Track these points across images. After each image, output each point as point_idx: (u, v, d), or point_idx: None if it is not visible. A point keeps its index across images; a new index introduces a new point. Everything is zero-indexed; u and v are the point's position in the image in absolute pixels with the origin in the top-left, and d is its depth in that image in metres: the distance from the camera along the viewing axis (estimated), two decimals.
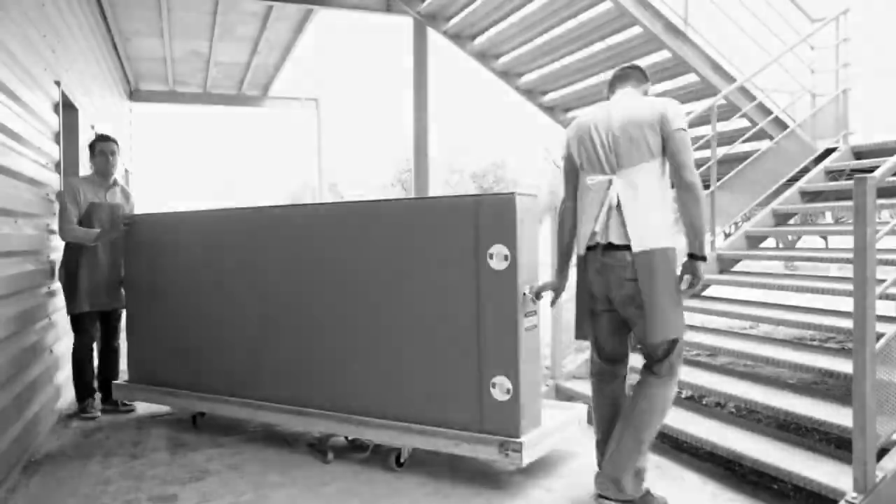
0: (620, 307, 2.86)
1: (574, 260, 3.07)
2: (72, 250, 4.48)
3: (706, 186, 4.79)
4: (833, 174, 5.46)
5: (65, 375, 4.75)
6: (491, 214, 3.17)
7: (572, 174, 3.04)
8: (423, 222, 3.43)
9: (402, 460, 3.49)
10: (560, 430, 3.48)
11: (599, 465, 3.05)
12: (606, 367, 3.06)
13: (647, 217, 2.77)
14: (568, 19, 6.18)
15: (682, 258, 2.83)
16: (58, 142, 4.76)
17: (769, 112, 5.82)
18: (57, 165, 4.76)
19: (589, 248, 2.90)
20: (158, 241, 4.49)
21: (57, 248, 4.60)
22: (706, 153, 5.48)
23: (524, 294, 3.13)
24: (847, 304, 3.00)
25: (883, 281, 2.91)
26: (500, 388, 3.17)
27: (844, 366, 3.42)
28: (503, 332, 3.16)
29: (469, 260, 3.22)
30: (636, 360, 3.22)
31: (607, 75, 6.68)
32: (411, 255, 3.45)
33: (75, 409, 4.64)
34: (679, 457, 3.58)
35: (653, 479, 3.11)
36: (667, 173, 2.83)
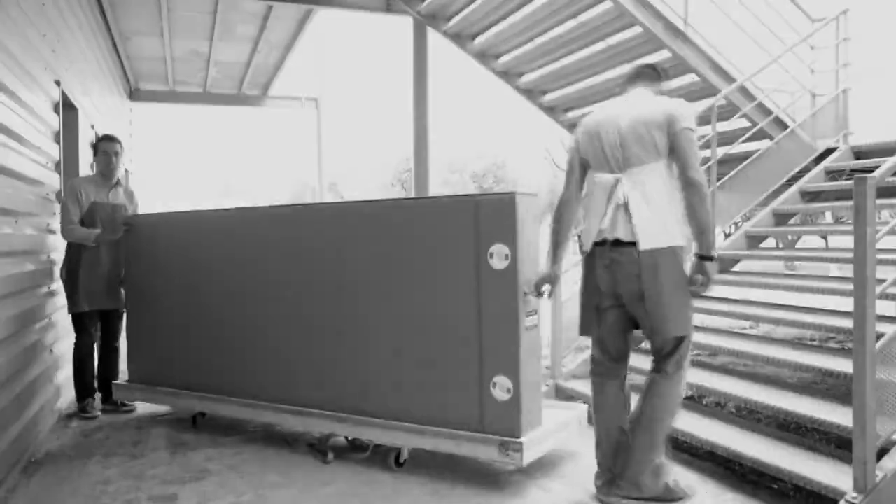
0: (629, 303, 2.87)
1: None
2: (73, 250, 4.49)
3: None
4: (833, 174, 5.46)
5: (65, 375, 4.75)
6: (491, 214, 3.17)
7: (577, 168, 3.05)
8: (423, 222, 3.43)
9: (401, 460, 3.49)
10: (560, 430, 3.48)
11: (599, 464, 3.06)
12: (609, 365, 3.06)
13: (654, 216, 2.78)
14: (568, 19, 6.17)
15: (689, 257, 2.84)
16: (58, 141, 4.76)
17: (769, 112, 5.82)
18: (57, 165, 4.76)
19: (596, 245, 2.91)
20: (158, 242, 4.50)
21: (57, 248, 4.60)
22: (706, 153, 5.48)
23: (525, 293, 3.13)
24: (847, 303, 3.00)
25: (883, 281, 2.91)
26: (500, 387, 3.16)
27: (844, 365, 3.42)
28: (504, 332, 3.15)
29: (469, 259, 3.22)
30: (637, 361, 3.23)
31: (608, 75, 6.73)
32: (412, 254, 3.45)
33: (75, 408, 4.65)
34: (679, 456, 3.58)
35: None
36: (674, 173, 2.84)
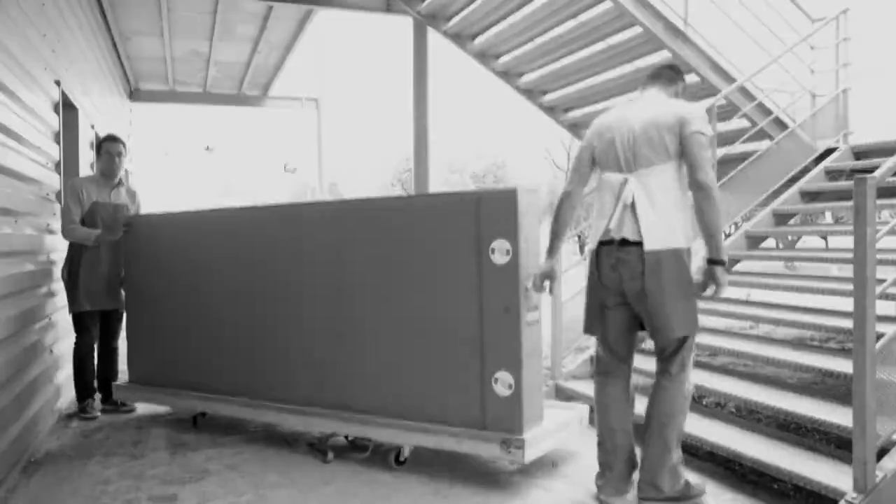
0: (633, 302, 2.88)
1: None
2: (74, 250, 4.50)
3: None
4: (833, 174, 5.46)
5: (65, 375, 4.75)
6: (493, 209, 3.18)
7: (584, 166, 3.06)
8: (425, 218, 3.44)
9: (402, 458, 3.49)
10: (561, 430, 3.48)
11: (601, 464, 3.06)
12: (613, 364, 3.06)
13: (660, 217, 2.79)
14: (568, 19, 6.17)
15: (696, 258, 2.85)
16: (58, 141, 4.76)
17: (769, 112, 5.81)
18: (57, 165, 4.76)
19: (603, 244, 2.92)
20: (158, 242, 4.50)
21: (57, 249, 4.60)
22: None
23: (526, 288, 3.14)
24: (847, 304, 3.00)
25: (883, 281, 2.91)
26: (502, 383, 3.16)
27: (844, 366, 3.42)
28: (505, 327, 3.15)
29: (471, 255, 3.22)
30: (639, 362, 3.23)
31: (608, 75, 6.73)
32: (413, 251, 3.45)
33: (75, 409, 4.65)
34: None
35: None
36: (684, 176, 2.85)
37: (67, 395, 4.80)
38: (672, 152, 2.81)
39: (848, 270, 3.28)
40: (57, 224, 4.60)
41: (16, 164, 3.72)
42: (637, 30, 5.70)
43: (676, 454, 2.93)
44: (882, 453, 2.83)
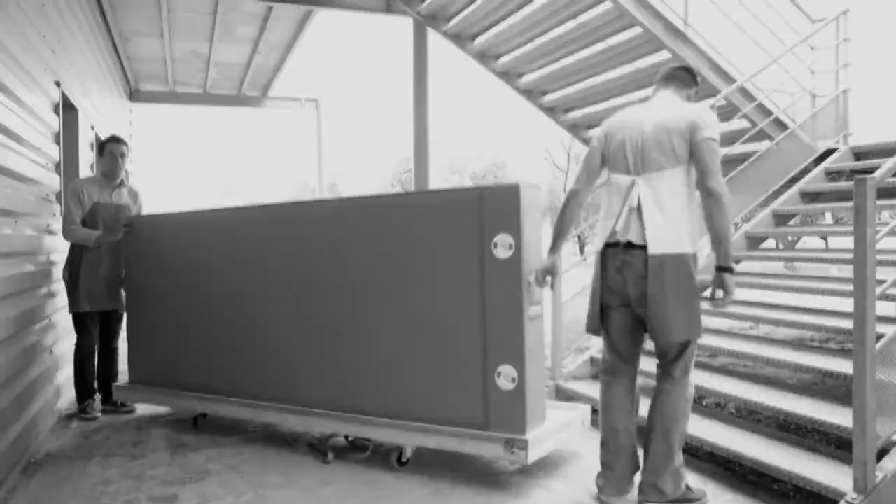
0: (636, 304, 2.88)
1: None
2: (75, 250, 4.50)
3: None
4: (833, 175, 5.46)
5: (65, 375, 4.75)
6: (495, 204, 3.18)
7: (593, 165, 3.06)
8: (427, 214, 3.44)
9: (403, 459, 3.49)
10: (563, 430, 3.48)
11: (602, 464, 3.06)
12: (618, 364, 3.07)
13: (666, 221, 2.79)
14: (568, 20, 6.18)
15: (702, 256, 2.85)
16: (58, 142, 4.76)
17: (769, 113, 5.82)
18: (57, 166, 4.76)
19: (609, 245, 2.92)
20: (158, 242, 4.50)
21: (56, 249, 4.60)
22: None
23: (529, 283, 3.14)
24: (847, 304, 3.00)
25: (883, 281, 2.91)
26: (505, 376, 3.16)
27: (844, 366, 3.42)
28: (508, 321, 3.16)
29: (474, 250, 3.23)
30: (644, 364, 3.23)
31: (608, 76, 6.72)
32: (415, 247, 3.45)
33: (75, 409, 4.64)
34: None
35: None
36: (693, 181, 2.85)
37: (67, 396, 4.80)
38: (681, 157, 2.80)
39: (848, 271, 3.28)
40: (57, 224, 4.61)
41: (16, 164, 3.72)
42: (637, 30, 5.70)
43: (679, 457, 2.93)
44: (882, 454, 2.83)
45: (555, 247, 3.17)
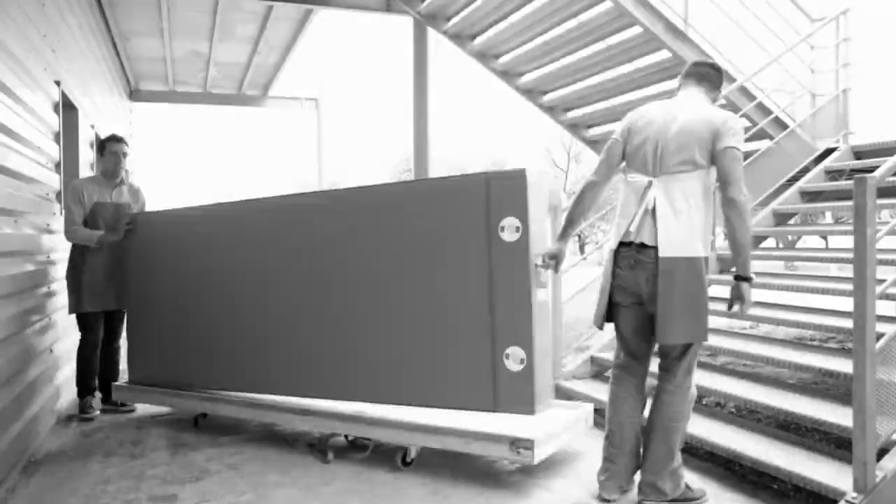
0: (648, 303, 2.89)
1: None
2: (76, 250, 4.50)
3: None
4: (833, 174, 5.45)
5: (65, 375, 4.75)
6: (502, 189, 3.20)
7: (614, 159, 3.04)
8: (435, 200, 3.45)
9: (408, 459, 3.48)
10: (567, 430, 3.49)
11: (605, 459, 3.07)
12: (630, 361, 3.08)
13: (679, 225, 2.79)
14: (568, 19, 6.17)
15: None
16: (58, 142, 4.76)
17: (769, 112, 5.81)
18: (57, 165, 4.76)
19: (623, 244, 2.93)
20: (158, 239, 4.49)
21: (56, 248, 4.60)
22: None
23: (536, 266, 3.16)
24: (847, 303, 3.00)
25: (883, 281, 2.91)
26: (513, 358, 3.17)
27: (844, 366, 3.42)
28: (516, 303, 3.17)
29: (481, 234, 3.24)
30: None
31: (608, 75, 6.70)
32: (423, 232, 3.46)
33: (75, 409, 4.64)
34: None
35: None
36: (710, 185, 2.85)
37: (67, 396, 4.80)
38: (700, 162, 2.80)
39: (848, 270, 3.28)
40: (56, 224, 4.60)
41: (16, 164, 3.72)
42: (637, 30, 5.70)
43: (678, 457, 2.94)
44: (882, 453, 2.83)
45: (564, 234, 3.19)
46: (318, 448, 3.76)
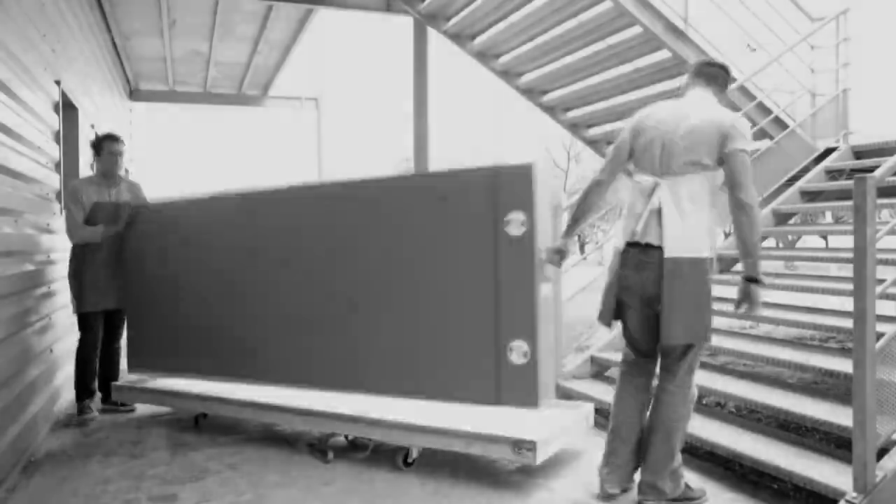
0: (655, 303, 2.89)
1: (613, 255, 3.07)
2: (78, 250, 4.48)
3: None
4: (833, 174, 5.45)
5: (64, 375, 4.74)
6: (509, 183, 3.22)
7: (621, 158, 3.04)
8: (442, 193, 3.45)
9: (409, 460, 3.48)
10: (568, 429, 3.49)
11: (607, 454, 3.08)
12: (637, 359, 3.10)
13: (685, 226, 2.80)
14: (568, 19, 6.17)
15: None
16: (58, 141, 4.76)
17: (769, 112, 5.82)
18: (57, 165, 4.76)
19: (629, 244, 2.93)
20: (160, 228, 4.48)
21: (56, 248, 4.59)
22: None
23: (540, 260, 3.17)
24: (847, 303, 3.00)
25: (883, 281, 2.91)
26: (517, 351, 3.18)
27: (844, 365, 3.42)
28: (521, 296, 3.18)
29: (487, 227, 3.25)
30: None
31: (608, 75, 6.70)
32: (429, 225, 3.46)
33: (74, 408, 4.64)
34: None
35: None
36: (717, 186, 2.85)
37: (67, 395, 4.80)
38: (707, 164, 2.80)
39: (848, 270, 3.28)
40: (56, 223, 4.60)
41: (16, 163, 3.72)
42: (637, 29, 5.70)
43: (678, 457, 2.94)
44: (882, 453, 2.83)
45: (569, 231, 3.21)
46: (318, 448, 3.75)
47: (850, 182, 2.82)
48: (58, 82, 4.76)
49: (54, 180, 4.67)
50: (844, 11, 5.84)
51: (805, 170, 5.66)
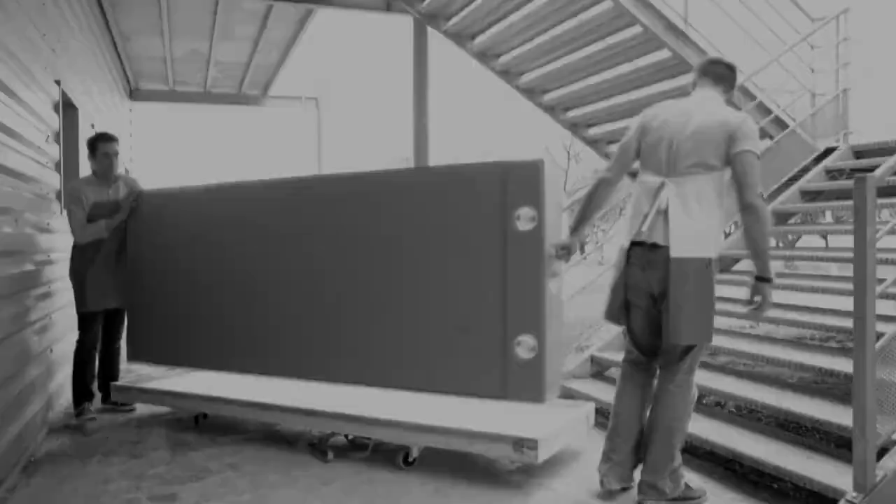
0: (660, 302, 2.90)
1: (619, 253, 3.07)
2: (80, 250, 4.46)
3: None
4: (833, 173, 5.46)
5: (64, 375, 4.74)
6: (519, 178, 3.22)
7: (628, 156, 3.04)
8: (451, 188, 3.46)
9: (410, 459, 3.48)
10: (569, 429, 3.49)
11: (606, 452, 3.09)
12: (640, 357, 3.11)
13: (691, 226, 2.80)
14: (568, 18, 6.17)
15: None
16: (58, 141, 4.76)
17: (769, 111, 5.82)
18: (57, 165, 4.75)
19: (635, 244, 2.93)
20: (163, 217, 4.48)
21: (56, 248, 4.59)
22: None
23: (549, 255, 3.18)
24: (847, 303, 3.00)
25: (883, 280, 2.91)
26: (524, 346, 3.19)
27: (844, 365, 3.42)
28: (529, 291, 3.19)
29: (496, 222, 3.26)
30: None
31: (608, 75, 6.70)
32: (438, 219, 3.46)
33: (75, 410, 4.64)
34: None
35: None
36: (724, 187, 2.85)
37: (68, 395, 4.80)
38: (715, 165, 2.80)
39: (848, 270, 3.28)
40: (56, 223, 4.60)
41: (16, 163, 3.72)
42: (637, 29, 5.70)
43: (678, 457, 2.94)
44: (882, 453, 2.83)
45: (576, 229, 3.22)
46: (319, 448, 3.75)
47: (850, 182, 2.82)
48: (58, 82, 4.76)
49: (54, 180, 4.67)
50: (844, 11, 5.84)
51: (805, 170, 5.66)
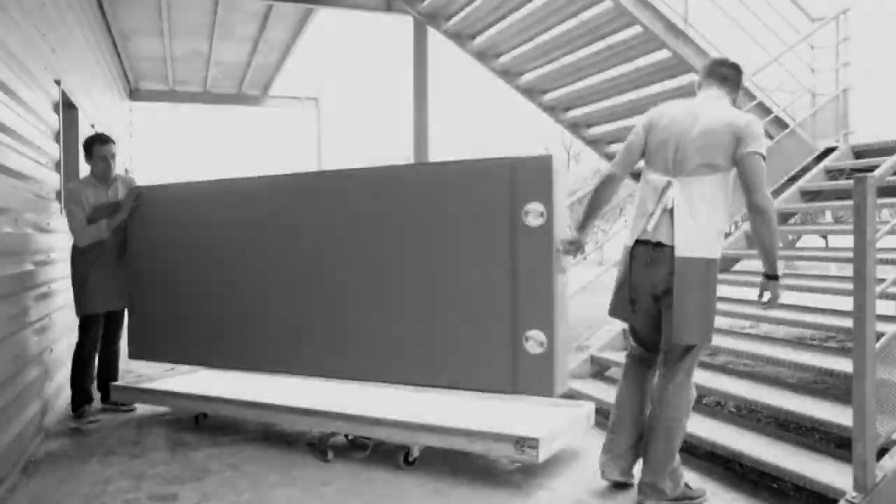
0: (663, 301, 2.90)
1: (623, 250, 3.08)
2: (80, 252, 4.45)
3: None
4: (833, 173, 5.46)
5: (64, 375, 4.74)
6: (528, 174, 3.24)
7: (634, 154, 3.03)
8: (460, 183, 3.46)
9: (411, 459, 3.48)
10: (570, 429, 3.50)
11: (607, 444, 3.10)
12: (643, 353, 3.13)
13: (696, 226, 2.80)
14: (568, 18, 6.17)
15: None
16: (58, 141, 4.76)
17: (769, 111, 5.82)
18: (57, 165, 4.75)
19: (639, 242, 2.94)
20: (163, 213, 4.47)
21: (56, 248, 4.59)
22: None
23: (557, 250, 3.19)
24: (847, 303, 3.01)
25: (883, 280, 2.91)
26: (534, 341, 3.20)
27: (844, 365, 3.42)
28: (538, 286, 3.20)
29: (505, 217, 3.27)
30: None
31: (607, 75, 6.70)
32: (447, 214, 3.47)
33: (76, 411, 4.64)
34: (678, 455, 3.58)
35: None
36: (730, 187, 2.86)
37: (67, 395, 4.80)
38: (720, 166, 2.80)
39: (848, 269, 3.28)
40: (56, 223, 4.60)
41: (16, 163, 3.72)
42: (637, 29, 5.70)
43: (677, 457, 2.94)
44: (882, 453, 2.83)
45: (583, 225, 3.23)
46: (319, 448, 3.75)
47: (850, 182, 2.82)
48: (58, 82, 4.76)
49: (54, 180, 4.67)
50: (844, 11, 5.84)
51: (805, 169, 5.67)
